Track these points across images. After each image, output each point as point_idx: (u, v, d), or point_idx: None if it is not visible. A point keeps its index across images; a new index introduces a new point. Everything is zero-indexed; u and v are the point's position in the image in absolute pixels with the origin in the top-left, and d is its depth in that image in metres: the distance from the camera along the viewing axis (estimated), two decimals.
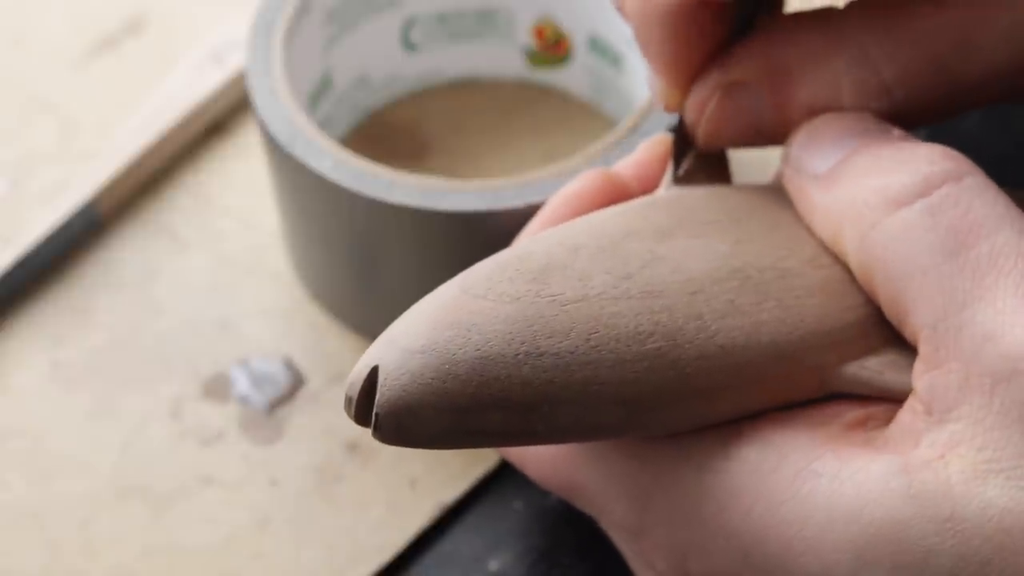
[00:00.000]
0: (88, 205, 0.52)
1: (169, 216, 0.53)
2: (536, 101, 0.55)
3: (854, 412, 0.32)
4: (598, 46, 0.52)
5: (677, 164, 0.37)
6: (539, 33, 0.53)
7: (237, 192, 0.53)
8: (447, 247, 0.45)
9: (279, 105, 0.46)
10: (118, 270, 0.52)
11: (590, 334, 0.32)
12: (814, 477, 0.30)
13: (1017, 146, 0.51)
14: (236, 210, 0.53)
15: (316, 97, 0.51)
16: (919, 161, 0.31)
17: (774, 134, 0.35)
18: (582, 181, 0.39)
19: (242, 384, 0.49)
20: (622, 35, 0.51)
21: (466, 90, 0.55)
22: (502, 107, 0.54)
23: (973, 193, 0.30)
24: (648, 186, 0.39)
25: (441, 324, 0.32)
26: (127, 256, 0.52)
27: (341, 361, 0.49)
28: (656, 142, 0.40)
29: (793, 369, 0.33)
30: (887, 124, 0.33)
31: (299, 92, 0.48)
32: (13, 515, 0.46)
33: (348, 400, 0.32)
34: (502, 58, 0.54)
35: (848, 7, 0.34)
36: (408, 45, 0.53)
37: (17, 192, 0.54)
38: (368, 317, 0.49)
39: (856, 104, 0.34)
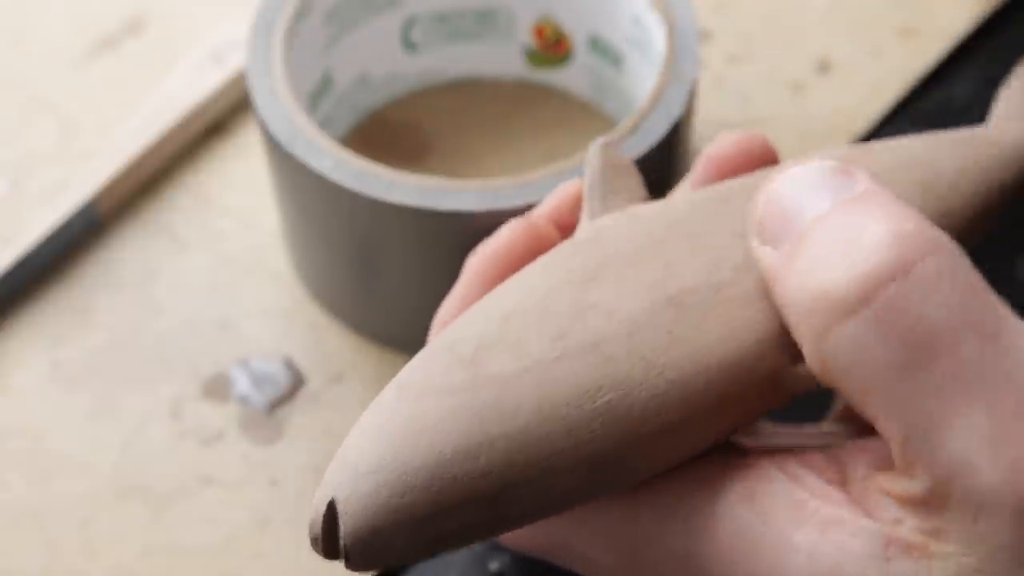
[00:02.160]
0: (88, 205, 0.52)
1: (169, 216, 0.53)
2: (536, 101, 0.55)
3: (830, 467, 0.31)
4: (598, 46, 0.52)
5: (592, 199, 0.36)
6: (539, 33, 0.53)
7: (237, 192, 0.53)
8: (447, 247, 0.45)
9: (279, 105, 0.46)
10: (118, 270, 0.52)
11: (538, 406, 0.31)
12: (794, 552, 0.29)
13: None
14: (236, 210, 0.53)
15: (316, 97, 0.51)
16: (865, 251, 0.28)
17: None
18: (501, 238, 0.37)
19: (242, 384, 0.49)
20: (622, 35, 0.51)
21: (466, 90, 0.55)
22: (502, 107, 0.54)
23: (924, 293, 0.27)
24: (568, 228, 0.38)
25: (388, 436, 0.31)
26: (127, 256, 0.52)
27: (341, 361, 0.49)
28: (569, 185, 0.39)
29: (749, 381, 0.32)
30: (851, 171, 0.31)
31: (299, 92, 0.48)
32: (13, 515, 0.46)
33: (313, 539, 0.31)
34: (502, 58, 0.54)
35: None
36: (408, 45, 0.53)
37: (17, 192, 0.54)
38: (368, 317, 0.49)
39: None
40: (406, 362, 0.49)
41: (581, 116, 0.54)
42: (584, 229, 0.35)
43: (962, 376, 0.27)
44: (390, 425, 0.31)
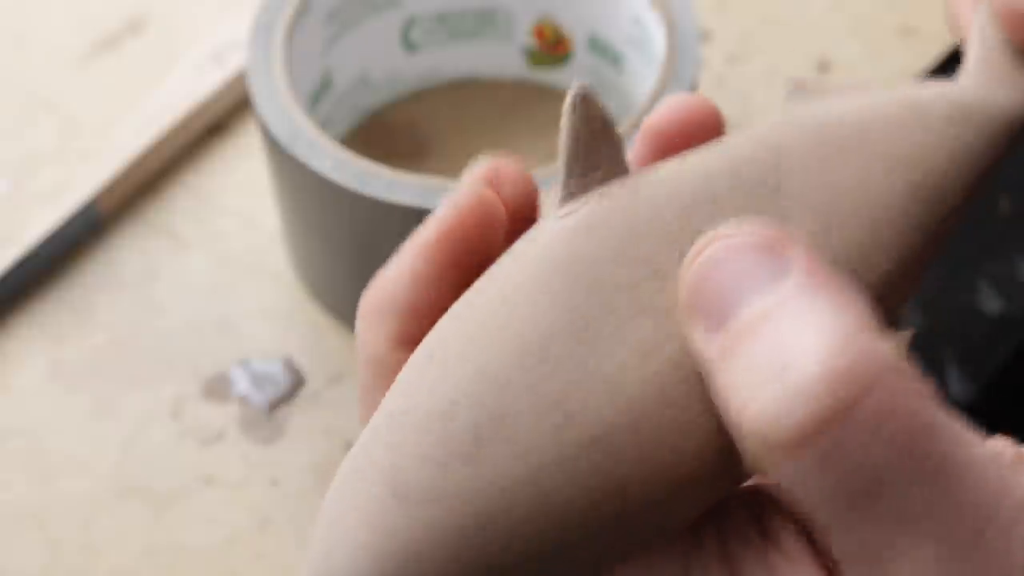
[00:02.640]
0: (88, 205, 0.52)
1: (169, 216, 0.53)
2: (536, 101, 0.55)
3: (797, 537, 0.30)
4: (598, 46, 0.52)
5: (569, 175, 0.31)
6: (539, 33, 0.53)
7: (237, 192, 0.54)
8: None
9: (279, 105, 0.46)
10: (118, 270, 0.52)
11: (539, 511, 0.28)
12: None
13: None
14: (236, 210, 0.53)
15: (316, 97, 0.51)
16: (802, 394, 0.26)
17: None
18: (450, 214, 0.33)
19: (242, 384, 0.49)
20: (622, 35, 0.51)
21: (466, 90, 0.55)
22: (502, 107, 0.54)
23: (864, 436, 0.26)
24: (523, 205, 0.34)
25: (383, 554, 0.28)
26: (127, 256, 0.52)
27: (341, 361, 0.49)
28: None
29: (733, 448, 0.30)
30: (784, 249, 0.28)
31: (299, 92, 0.48)
32: (14, 515, 0.46)
33: None
34: (502, 58, 0.54)
35: None
36: (408, 45, 0.53)
37: (17, 192, 0.54)
38: None
39: None
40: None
41: None
42: (557, 228, 0.30)
43: (908, 513, 0.26)
44: (385, 542, 0.28)
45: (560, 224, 0.30)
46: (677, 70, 0.46)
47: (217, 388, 0.49)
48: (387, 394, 0.29)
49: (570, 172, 0.31)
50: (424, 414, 0.28)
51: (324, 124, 0.51)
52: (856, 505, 0.26)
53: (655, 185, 0.31)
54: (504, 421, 0.28)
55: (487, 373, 0.29)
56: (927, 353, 0.49)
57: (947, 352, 0.49)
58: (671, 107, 0.34)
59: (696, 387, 0.29)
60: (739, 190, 0.30)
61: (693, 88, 0.46)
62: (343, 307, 0.50)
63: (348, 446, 0.47)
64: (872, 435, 0.26)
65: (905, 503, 0.26)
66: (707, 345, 0.28)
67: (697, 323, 0.28)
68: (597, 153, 0.31)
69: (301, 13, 0.48)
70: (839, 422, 0.26)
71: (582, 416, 0.28)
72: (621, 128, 0.45)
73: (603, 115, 0.31)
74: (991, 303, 0.50)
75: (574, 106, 0.31)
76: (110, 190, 0.52)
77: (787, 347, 0.27)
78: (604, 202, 0.30)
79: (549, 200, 0.32)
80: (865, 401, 0.26)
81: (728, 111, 0.55)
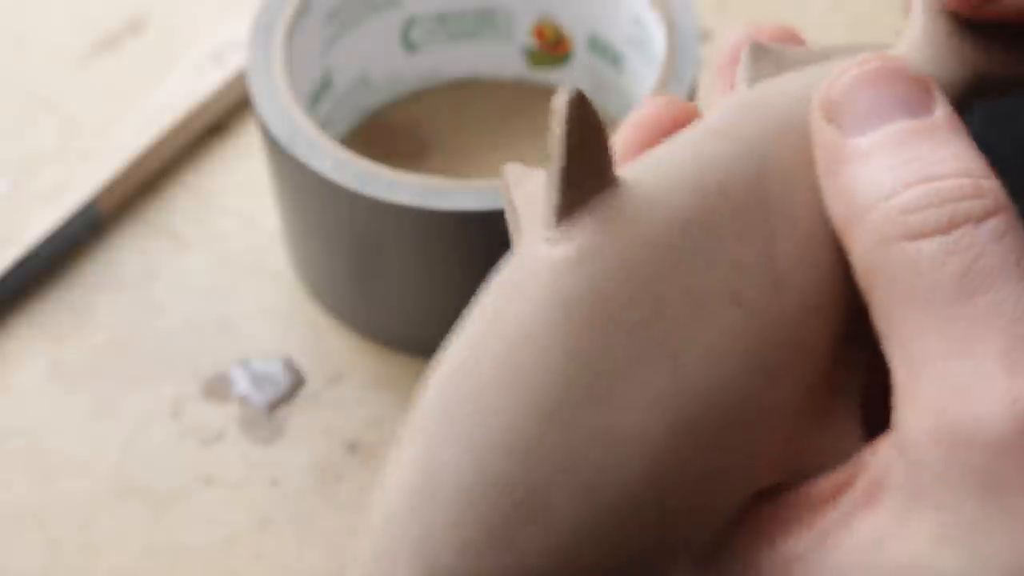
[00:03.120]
0: (88, 205, 0.52)
1: (169, 216, 0.53)
2: (536, 101, 0.55)
3: (820, 485, 0.31)
4: (598, 46, 0.52)
5: (559, 187, 0.29)
6: (539, 33, 0.53)
7: (237, 192, 0.54)
8: (447, 247, 0.45)
9: (279, 105, 0.46)
10: (118, 270, 0.52)
11: None
12: (797, 560, 0.30)
13: (1015, 146, 0.51)
14: (236, 210, 0.53)
15: (316, 97, 0.51)
16: (951, 190, 0.30)
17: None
18: (641, 111, 0.34)
19: (242, 384, 0.49)
20: (622, 35, 0.51)
21: (466, 90, 0.55)
22: (502, 107, 0.54)
23: (991, 238, 0.29)
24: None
25: None
26: (127, 256, 0.52)
27: (341, 361, 0.49)
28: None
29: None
30: (932, 94, 0.32)
31: (299, 92, 0.48)
32: (13, 515, 0.46)
33: None
34: (502, 58, 0.54)
35: None
36: (408, 45, 0.53)
37: (17, 192, 0.54)
38: (368, 317, 0.49)
39: None
40: (406, 362, 0.49)
41: None
42: (555, 257, 0.28)
43: (992, 314, 0.29)
44: None
45: (557, 252, 0.28)
46: (677, 70, 0.46)
47: (217, 388, 0.49)
48: (406, 454, 0.28)
49: (563, 184, 0.29)
50: (452, 492, 0.27)
51: (324, 124, 0.51)
52: (955, 298, 0.29)
53: (649, 205, 0.29)
54: (531, 496, 0.27)
55: (506, 445, 0.27)
56: None
57: None
58: (651, 108, 0.35)
59: (708, 439, 0.28)
60: (730, 211, 0.30)
61: (693, 88, 0.46)
62: (343, 307, 0.50)
63: (348, 446, 0.47)
64: (996, 240, 0.29)
65: (996, 306, 0.28)
66: (840, 142, 0.31)
67: (838, 121, 0.31)
68: (590, 161, 0.29)
69: (301, 13, 0.48)
70: (976, 223, 0.29)
71: (605, 482, 0.27)
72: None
73: (596, 119, 0.29)
74: None
75: (568, 110, 0.29)
76: (110, 190, 0.52)
77: (944, 157, 0.30)
78: (601, 225, 0.29)
79: (532, 210, 0.31)
80: (1000, 214, 0.30)
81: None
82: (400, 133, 0.54)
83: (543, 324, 0.28)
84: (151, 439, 0.48)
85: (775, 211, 0.30)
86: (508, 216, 0.31)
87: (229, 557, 0.45)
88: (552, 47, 0.53)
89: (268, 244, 0.52)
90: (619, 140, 0.35)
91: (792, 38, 0.35)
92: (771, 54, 0.33)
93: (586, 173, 0.29)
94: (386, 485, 0.28)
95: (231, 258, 0.52)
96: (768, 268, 0.30)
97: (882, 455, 0.30)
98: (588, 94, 0.54)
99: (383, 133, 0.54)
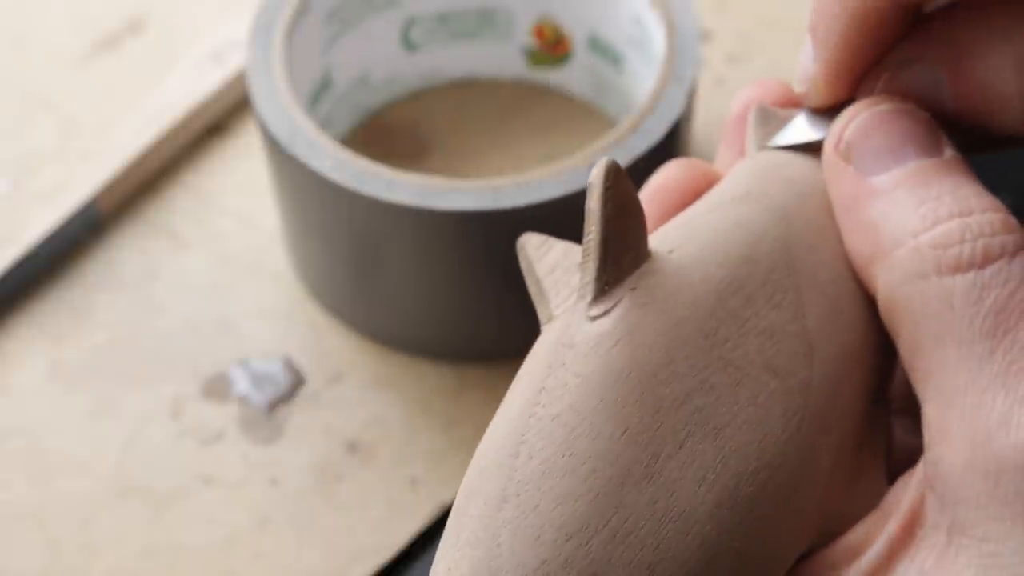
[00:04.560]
0: (88, 205, 0.52)
1: (169, 216, 0.53)
2: (536, 101, 0.55)
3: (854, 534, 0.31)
4: (598, 46, 0.52)
5: (602, 266, 0.28)
6: (539, 33, 0.53)
7: (237, 192, 0.54)
8: (447, 246, 0.45)
9: (279, 105, 0.46)
10: (118, 270, 0.52)
11: None
12: None
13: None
14: (236, 210, 0.53)
15: (316, 97, 0.51)
16: (982, 226, 0.30)
17: (949, 115, 0.32)
18: (661, 175, 0.35)
19: (242, 384, 0.49)
20: (622, 35, 0.51)
21: (466, 90, 0.55)
22: (502, 107, 0.54)
23: (1023, 274, 0.29)
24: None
25: None
26: (127, 256, 0.52)
27: (341, 361, 0.49)
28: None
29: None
30: (940, 134, 0.32)
31: (299, 92, 0.48)
32: (13, 515, 0.46)
33: None
34: (502, 58, 0.54)
35: None
36: (408, 45, 0.53)
37: (17, 192, 0.54)
38: (368, 317, 0.49)
39: None
40: (405, 362, 0.49)
41: (581, 116, 0.54)
42: (598, 333, 0.28)
43: None
44: None
45: (599, 329, 0.28)
46: (677, 70, 0.46)
47: (217, 388, 0.49)
48: (464, 542, 0.28)
49: (603, 261, 0.29)
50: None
51: (324, 124, 0.51)
52: (991, 332, 0.29)
53: (684, 277, 0.29)
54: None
55: (566, 530, 0.27)
56: None
57: None
58: (671, 172, 0.35)
59: (753, 511, 0.28)
60: (760, 278, 0.30)
61: (693, 88, 0.46)
62: (343, 307, 0.50)
63: (348, 446, 0.47)
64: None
65: None
66: (859, 181, 0.31)
67: (855, 161, 0.31)
68: (627, 235, 0.29)
69: (301, 13, 0.48)
70: (1009, 258, 0.29)
71: (661, 559, 0.27)
72: (621, 128, 0.45)
73: (632, 192, 0.29)
74: None
75: (604, 184, 0.28)
76: (110, 190, 0.52)
77: (968, 195, 0.30)
78: (640, 300, 0.29)
79: (559, 280, 0.31)
80: (1021, 256, 0.29)
81: (728, 111, 0.55)
82: (400, 133, 0.54)
83: (594, 403, 0.28)
84: (151, 439, 0.48)
85: (802, 276, 0.31)
86: (531, 287, 0.31)
87: (229, 557, 0.45)
88: (552, 47, 0.53)
89: (268, 244, 0.52)
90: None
91: (793, 101, 0.35)
92: (776, 118, 0.34)
93: (623, 248, 0.29)
94: (446, 571, 0.28)
95: (231, 258, 0.52)
96: (800, 336, 0.30)
97: (912, 495, 0.29)
98: (588, 94, 0.54)
99: (383, 133, 0.54)
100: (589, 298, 0.29)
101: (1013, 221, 0.30)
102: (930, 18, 0.32)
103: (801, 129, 0.33)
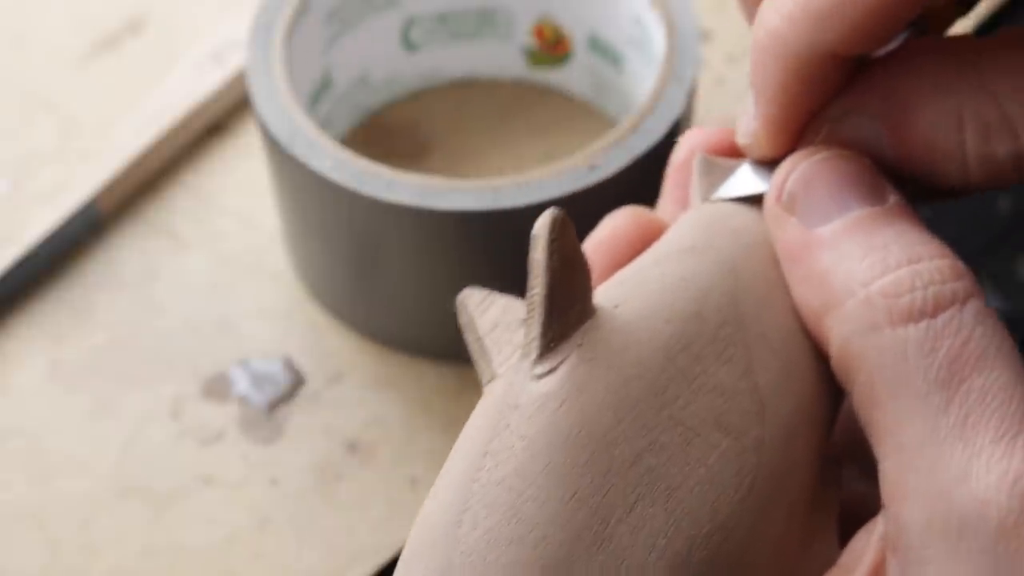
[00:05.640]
0: (88, 205, 0.52)
1: (169, 216, 0.53)
2: (536, 101, 0.55)
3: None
4: (598, 46, 0.52)
5: (545, 323, 0.27)
6: (539, 33, 0.53)
7: (237, 192, 0.53)
8: (447, 246, 0.45)
9: (279, 105, 0.46)
10: (118, 270, 0.52)
11: None
12: None
13: None
14: (236, 210, 0.53)
15: (316, 97, 0.51)
16: (932, 273, 0.29)
17: (890, 166, 0.32)
18: (605, 226, 0.35)
19: (242, 384, 0.49)
20: (622, 35, 0.51)
21: (466, 90, 0.55)
22: (502, 107, 0.54)
23: (975, 320, 0.29)
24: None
25: None
26: (127, 256, 0.52)
27: (341, 361, 0.49)
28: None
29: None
30: (883, 180, 0.31)
31: (299, 92, 0.48)
32: (13, 515, 0.46)
33: None
34: (502, 58, 0.54)
35: (981, 38, 0.32)
36: (408, 45, 0.53)
37: (17, 192, 0.54)
38: (368, 317, 0.49)
39: (978, 145, 0.31)
40: (406, 362, 0.49)
41: (581, 116, 0.54)
42: (544, 393, 0.27)
43: (985, 396, 0.28)
44: None
45: (545, 388, 0.27)
46: (677, 70, 0.46)
47: (217, 388, 0.49)
48: None
49: (548, 316, 0.27)
50: None
51: (324, 124, 0.51)
52: (946, 382, 0.28)
53: (631, 334, 0.28)
54: None
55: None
56: None
57: None
58: (618, 220, 0.35)
59: (705, 575, 0.28)
60: (709, 334, 0.29)
61: (693, 88, 0.46)
62: (343, 307, 0.50)
63: (348, 446, 0.47)
64: (981, 322, 0.29)
65: (987, 388, 0.28)
66: (803, 233, 0.30)
67: (798, 213, 0.31)
68: (573, 289, 0.28)
69: (301, 13, 0.48)
70: (960, 305, 0.29)
71: None
72: (621, 128, 0.45)
73: (576, 243, 0.28)
74: (991, 303, 0.50)
75: (550, 235, 0.27)
76: (110, 190, 0.52)
77: (915, 244, 0.30)
78: (586, 356, 0.27)
79: (501, 338, 0.29)
80: (979, 296, 0.29)
81: (728, 111, 0.55)
82: (400, 133, 0.54)
83: (541, 466, 0.27)
84: (151, 439, 0.48)
85: (751, 330, 0.30)
86: (471, 345, 0.30)
87: (229, 557, 0.45)
88: (552, 47, 0.53)
89: (268, 244, 0.52)
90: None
91: (734, 151, 0.35)
92: (720, 168, 0.33)
93: (569, 302, 0.28)
94: None
95: (231, 258, 0.52)
96: (752, 393, 0.29)
97: (872, 555, 0.29)
98: (588, 94, 0.54)
99: (383, 133, 0.54)
100: (534, 355, 0.27)
101: (961, 266, 0.30)
102: (871, 69, 0.32)
103: (745, 180, 0.33)
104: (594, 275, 0.32)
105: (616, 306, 0.29)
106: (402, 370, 0.49)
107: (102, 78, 0.57)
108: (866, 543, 0.29)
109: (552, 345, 0.27)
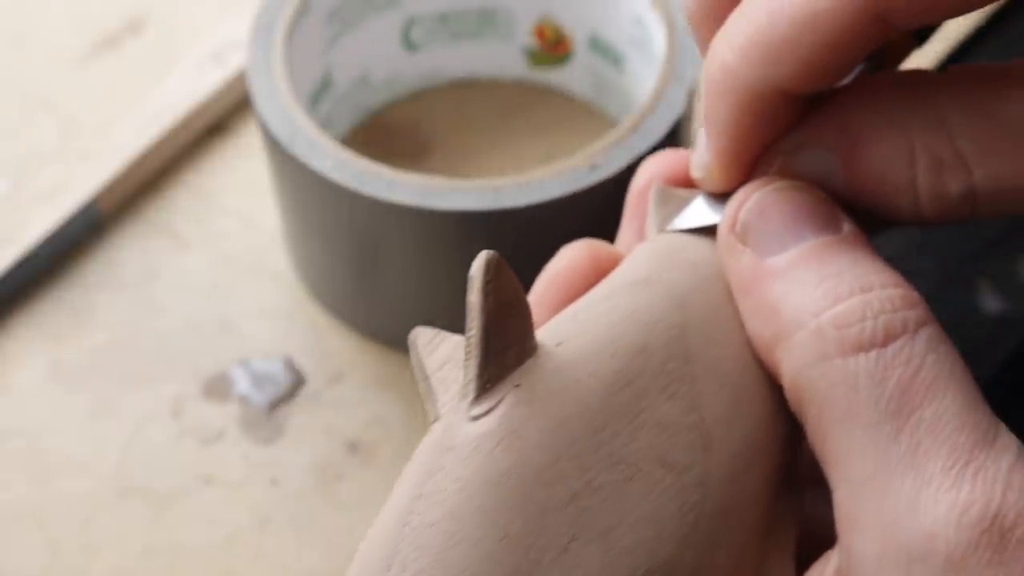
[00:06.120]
0: (88, 205, 0.52)
1: (169, 216, 0.53)
2: (536, 101, 0.55)
3: None
4: (598, 46, 0.52)
5: (488, 360, 0.27)
6: (539, 33, 0.53)
7: (237, 192, 0.53)
8: (447, 246, 0.45)
9: (279, 105, 0.46)
10: (118, 270, 0.52)
11: None
12: None
13: None
14: (236, 210, 0.53)
15: (316, 97, 0.51)
16: (883, 302, 0.29)
17: (843, 199, 0.32)
18: (561, 259, 0.35)
19: (242, 384, 0.49)
20: (622, 35, 0.51)
21: (466, 90, 0.55)
22: (502, 107, 0.54)
23: (927, 349, 0.29)
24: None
25: None
26: (127, 256, 0.52)
27: (341, 361, 0.49)
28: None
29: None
30: (837, 210, 0.31)
31: (299, 92, 0.48)
32: (13, 515, 0.46)
33: None
34: (502, 58, 0.54)
35: (936, 72, 0.32)
36: (408, 45, 0.53)
37: (17, 192, 0.54)
38: (368, 317, 0.49)
39: (931, 180, 0.30)
40: (406, 362, 0.49)
41: (581, 116, 0.54)
42: (478, 434, 0.27)
43: (936, 425, 0.28)
44: None
45: (481, 429, 0.27)
46: (678, 70, 0.46)
47: (217, 388, 0.49)
48: None
49: (483, 357, 0.27)
50: None
51: (324, 124, 0.51)
52: (896, 412, 0.28)
53: (571, 371, 0.28)
54: None
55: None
56: None
57: None
58: (573, 253, 0.35)
59: None
60: (654, 369, 0.29)
61: (693, 88, 0.46)
62: (343, 307, 0.49)
63: (348, 446, 0.47)
64: (932, 351, 0.28)
65: (938, 417, 0.28)
66: (756, 263, 0.30)
67: (751, 243, 0.30)
68: (510, 330, 0.27)
69: (301, 13, 0.48)
70: (911, 334, 0.29)
71: None
72: (621, 128, 0.45)
73: (515, 284, 0.28)
74: (991, 303, 0.50)
75: (484, 277, 0.27)
76: (110, 190, 0.52)
77: (868, 273, 0.29)
78: (523, 397, 0.27)
79: (448, 378, 0.29)
80: (931, 324, 0.29)
81: None
82: (400, 133, 0.54)
83: (473, 508, 0.26)
84: (151, 439, 0.48)
85: (700, 364, 0.30)
86: (420, 385, 0.30)
87: (229, 557, 0.45)
88: (552, 47, 0.53)
89: (268, 244, 0.52)
90: (536, 295, 0.34)
91: (689, 182, 0.34)
92: (676, 198, 0.33)
93: (506, 343, 0.27)
94: None
95: (231, 258, 0.52)
96: (697, 428, 0.29)
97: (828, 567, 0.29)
98: (588, 94, 0.54)
99: (383, 133, 0.54)
100: (471, 397, 0.27)
101: (914, 295, 0.29)
102: (826, 102, 0.32)
103: (700, 211, 0.33)
104: (548, 309, 0.32)
105: (559, 343, 0.29)
106: (402, 370, 0.49)
107: (102, 78, 0.57)
108: (820, 574, 0.29)
109: (489, 386, 0.27)
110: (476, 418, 0.27)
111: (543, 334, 0.29)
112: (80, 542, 0.46)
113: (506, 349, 0.27)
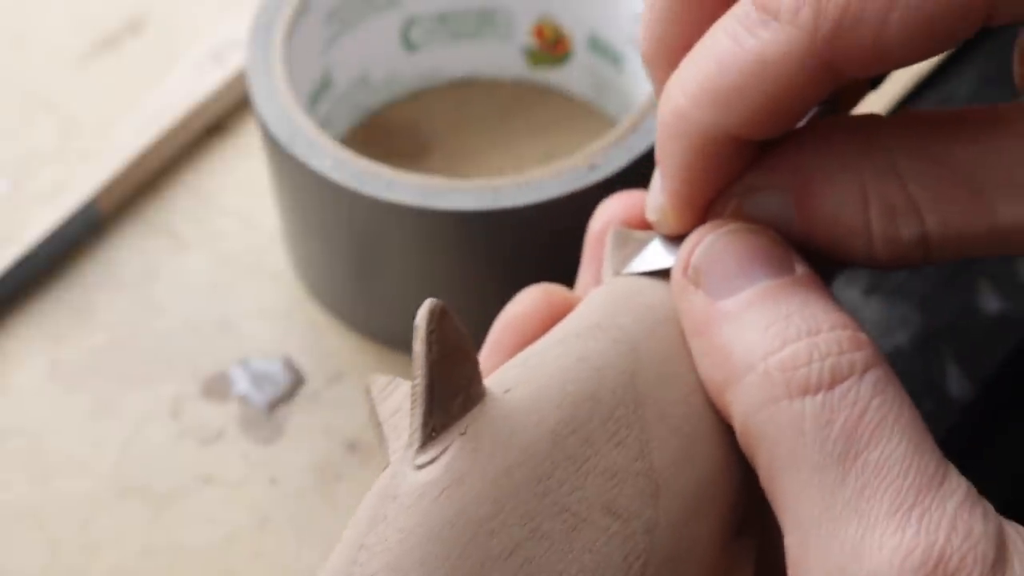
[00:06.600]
0: (88, 205, 0.52)
1: (169, 216, 0.53)
2: (536, 101, 0.55)
3: None
4: (598, 45, 0.52)
5: (433, 408, 0.27)
6: (539, 33, 0.53)
7: (237, 192, 0.54)
8: (447, 246, 0.45)
9: (279, 105, 0.46)
10: (118, 270, 0.52)
11: None
12: None
13: None
14: (236, 210, 0.53)
15: (316, 97, 0.51)
16: (830, 345, 0.29)
17: (796, 242, 0.32)
18: (518, 303, 0.35)
19: (242, 384, 0.49)
20: (622, 34, 0.51)
21: (466, 90, 0.55)
22: (502, 107, 0.54)
23: (873, 391, 0.29)
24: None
25: None
26: (127, 256, 0.52)
27: (341, 361, 0.49)
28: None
29: None
30: (790, 251, 0.31)
31: (299, 92, 0.48)
32: (13, 515, 0.46)
33: None
34: (502, 58, 0.54)
35: (889, 117, 0.32)
36: (408, 45, 0.53)
37: (17, 192, 0.54)
38: (368, 317, 0.49)
39: (884, 226, 0.30)
40: (406, 362, 0.49)
41: (581, 116, 0.54)
42: (422, 483, 0.27)
43: (881, 469, 0.28)
44: None
45: (425, 478, 0.27)
46: None
47: (217, 388, 0.49)
48: None
49: (428, 406, 0.27)
50: None
51: (324, 124, 0.51)
52: (842, 456, 0.28)
53: (518, 419, 0.28)
54: None
55: None
56: (927, 353, 0.49)
57: (947, 351, 0.49)
58: (527, 299, 0.35)
59: None
60: (603, 416, 0.29)
61: None
62: (343, 307, 0.50)
63: (348, 446, 0.47)
64: (879, 394, 0.28)
65: (883, 462, 0.28)
66: (708, 306, 0.30)
67: (703, 286, 0.30)
68: (454, 378, 0.27)
69: (301, 13, 0.48)
70: (858, 376, 0.28)
71: None
72: (621, 127, 0.45)
73: (459, 332, 0.28)
74: (991, 303, 0.50)
75: (427, 326, 0.27)
76: (110, 190, 0.52)
77: (818, 314, 0.29)
78: (468, 444, 0.27)
79: (399, 425, 0.29)
80: (879, 365, 0.29)
81: None
82: (400, 133, 0.54)
83: (415, 560, 0.26)
84: (151, 439, 0.48)
85: (649, 410, 0.29)
86: (374, 432, 0.29)
87: (228, 556, 0.45)
88: (552, 47, 0.53)
89: (268, 244, 0.52)
90: (492, 340, 0.34)
91: (647, 223, 0.34)
92: (633, 240, 0.33)
93: (452, 391, 0.27)
94: None
95: (231, 258, 0.52)
96: (646, 475, 0.29)
97: None
98: (588, 94, 0.54)
99: (383, 133, 0.54)
100: (416, 445, 0.27)
101: (863, 337, 0.29)
102: (780, 145, 0.32)
103: (657, 254, 0.33)
104: (504, 353, 0.32)
105: (507, 390, 0.28)
106: (402, 370, 0.49)
107: (102, 78, 0.57)
108: None
109: (434, 435, 0.27)
110: (421, 467, 0.27)
111: (493, 380, 0.29)
112: (80, 542, 0.46)
113: (452, 397, 0.27)
